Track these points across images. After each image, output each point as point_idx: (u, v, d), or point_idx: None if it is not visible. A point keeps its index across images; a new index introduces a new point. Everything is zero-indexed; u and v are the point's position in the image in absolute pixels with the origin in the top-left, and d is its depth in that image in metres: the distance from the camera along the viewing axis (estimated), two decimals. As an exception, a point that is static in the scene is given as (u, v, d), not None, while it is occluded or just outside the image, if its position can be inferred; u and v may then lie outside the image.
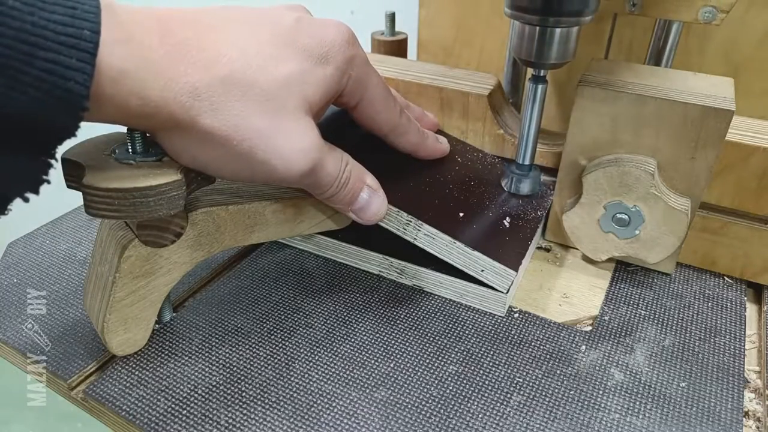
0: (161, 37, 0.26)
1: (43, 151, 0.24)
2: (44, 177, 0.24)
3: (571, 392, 0.33)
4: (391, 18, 0.57)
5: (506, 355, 0.35)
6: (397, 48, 0.58)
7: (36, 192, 0.24)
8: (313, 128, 0.31)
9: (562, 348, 0.36)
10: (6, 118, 0.22)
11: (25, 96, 0.22)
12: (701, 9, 0.40)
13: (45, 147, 0.24)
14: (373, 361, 0.35)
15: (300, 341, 0.36)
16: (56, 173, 0.29)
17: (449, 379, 0.34)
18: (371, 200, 0.35)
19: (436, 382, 0.34)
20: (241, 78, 0.28)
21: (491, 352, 0.36)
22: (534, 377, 0.34)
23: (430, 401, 0.32)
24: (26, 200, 0.24)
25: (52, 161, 0.24)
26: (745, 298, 0.41)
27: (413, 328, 0.37)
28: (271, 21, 0.30)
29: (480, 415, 0.32)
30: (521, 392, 0.33)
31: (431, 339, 0.36)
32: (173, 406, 0.32)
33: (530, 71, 0.40)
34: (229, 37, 0.28)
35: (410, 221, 0.38)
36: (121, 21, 0.24)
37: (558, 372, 0.34)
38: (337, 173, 0.33)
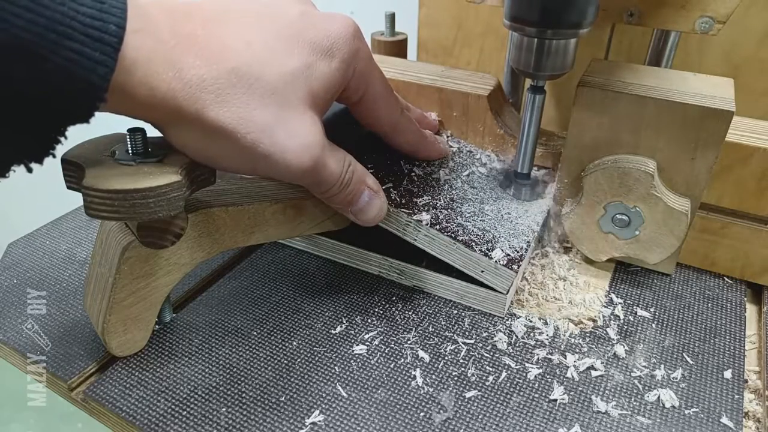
0: (171, 28, 0.26)
1: (54, 130, 0.24)
2: (51, 151, 0.24)
3: (571, 393, 0.33)
4: (391, 18, 0.57)
5: (506, 356, 0.35)
6: (397, 48, 0.58)
7: (40, 162, 0.25)
8: (317, 124, 0.31)
9: (562, 348, 0.36)
10: (26, 98, 0.22)
11: (47, 82, 0.22)
12: (698, 19, 0.40)
13: (57, 127, 0.24)
14: (373, 362, 0.35)
15: (300, 342, 0.36)
16: (57, 175, 0.29)
17: (449, 380, 0.34)
18: (371, 202, 0.35)
19: (436, 383, 0.34)
20: (247, 71, 0.28)
21: (491, 353, 0.36)
22: (534, 378, 0.34)
23: (430, 402, 0.32)
24: (30, 170, 0.25)
25: (61, 138, 0.24)
26: (745, 299, 0.41)
27: (413, 328, 0.37)
28: (276, 14, 0.30)
29: (480, 416, 0.32)
30: (521, 393, 0.33)
31: (431, 340, 0.36)
32: (173, 407, 0.32)
33: (529, 81, 0.40)
34: (236, 30, 0.28)
35: (410, 222, 0.38)
36: (138, 13, 0.24)
37: (558, 373, 0.34)
38: (340, 173, 0.33)
